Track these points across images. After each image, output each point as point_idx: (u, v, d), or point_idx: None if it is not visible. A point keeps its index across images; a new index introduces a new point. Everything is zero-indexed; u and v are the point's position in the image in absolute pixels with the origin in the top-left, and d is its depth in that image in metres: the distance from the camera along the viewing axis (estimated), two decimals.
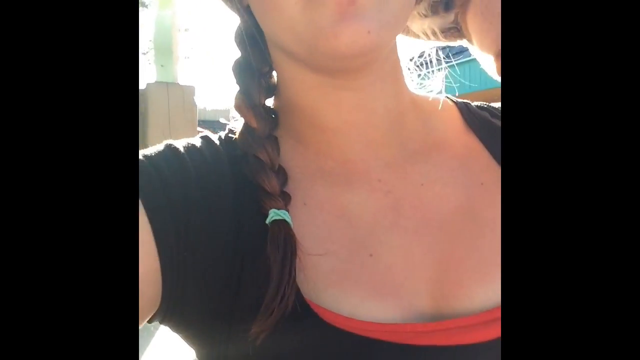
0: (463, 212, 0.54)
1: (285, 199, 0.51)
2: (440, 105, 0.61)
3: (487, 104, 0.65)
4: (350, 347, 0.46)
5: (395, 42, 0.56)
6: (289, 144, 0.56)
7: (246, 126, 0.55)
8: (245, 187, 0.52)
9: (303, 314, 0.46)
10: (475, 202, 0.55)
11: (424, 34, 0.58)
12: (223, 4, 0.59)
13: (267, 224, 0.49)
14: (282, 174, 0.53)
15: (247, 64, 0.56)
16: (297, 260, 0.47)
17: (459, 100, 0.64)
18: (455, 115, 0.62)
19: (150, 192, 0.48)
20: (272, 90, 0.58)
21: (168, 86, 2.64)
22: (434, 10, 0.54)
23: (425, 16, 0.59)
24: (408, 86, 0.59)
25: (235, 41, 0.58)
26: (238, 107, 0.55)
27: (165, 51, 2.67)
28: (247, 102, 0.55)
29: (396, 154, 0.56)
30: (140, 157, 0.51)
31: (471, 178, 0.56)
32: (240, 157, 0.53)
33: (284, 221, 0.48)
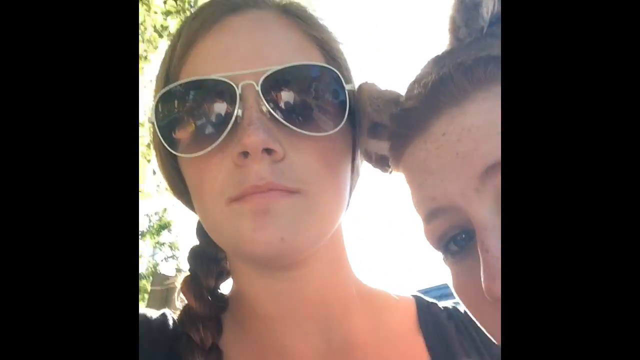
0: None
1: None
2: (395, 302, 0.63)
3: (455, 305, 0.64)
4: None
5: (340, 234, 0.59)
6: (232, 327, 0.59)
7: (187, 306, 0.59)
8: None
9: None
10: None
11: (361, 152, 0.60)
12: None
13: None
14: (214, 355, 0.55)
15: (201, 252, 0.63)
16: None
17: (426, 299, 0.65)
18: (411, 314, 0.63)
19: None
20: (225, 274, 0.63)
21: None
22: (371, 131, 0.55)
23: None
24: (359, 279, 0.62)
25: (196, 233, 0.65)
26: (182, 289, 0.60)
27: None
28: (191, 285, 0.60)
29: (333, 346, 0.57)
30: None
31: None
32: (179, 335, 0.57)
33: None
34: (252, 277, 0.58)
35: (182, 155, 0.53)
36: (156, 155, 0.61)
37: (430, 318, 0.61)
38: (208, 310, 0.58)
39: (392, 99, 0.52)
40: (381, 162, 0.56)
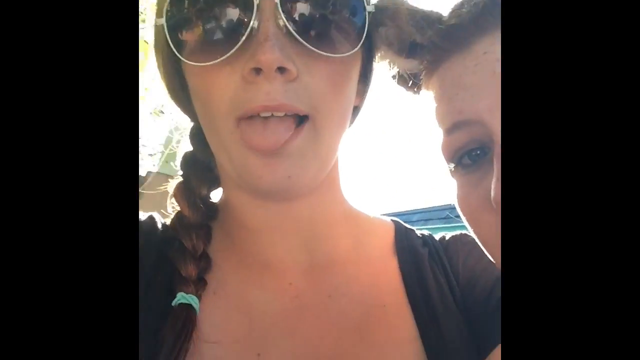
0: (359, 331, 0.56)
1: (198, 286, 0.54)
2: (377, 226, 0.65)
3: (431, 233, 0.67)
4: None
5: (336, 159, 0.59)
6: (220, 235, 0.60)
7: (179, 213, 0.59)
8: (165, 267, 0.55)
9: None
10: (373, 323, 0.57)
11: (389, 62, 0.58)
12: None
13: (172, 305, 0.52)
14: (204, 261, 0.56)
15: (193, 158, 0.62)
16: (192, 344, 0.50)
17: (404, 225, 0.67)
18: (389, 237, 0.65)
19: None
20: (216, 183, 0.63)
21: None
22: (410, 51, 0.54)
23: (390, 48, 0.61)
24: (347, 201, 0.63)
25: (189, 137, 0.63)
26: (175, 195, 0.60)
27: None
28: (184, 192, 0.59)
29: (315, 261, 0.59)
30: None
31: (376, 298, 0.59)
32: (170, 240, 0.58)
33: (189, 305, 0.51)
34: (242, 192, 0.58)
35: (190, 62, 0.50)
36: (157, 56, 0.58)
37: (407, 243, 0.64)
38: (200, 218, 0.59)
39: (436, 19, 0.52)
40: (414, 82, 0.56)
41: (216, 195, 0.65)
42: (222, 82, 0.50)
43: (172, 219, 0.60)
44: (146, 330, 0.48)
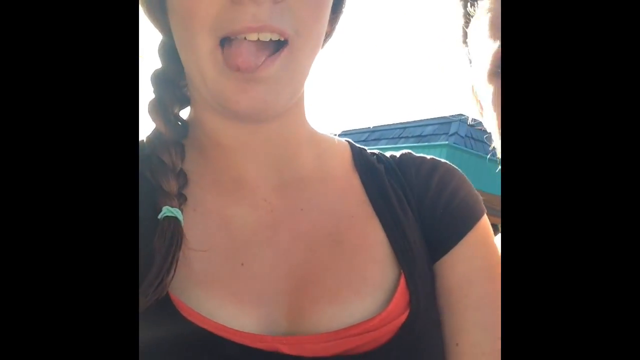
0: (332, 239, 0.60)
1: (180, 200, 0.56)
2: (335, 145, 0.68)
3: (380, 152, 0.71)
4: (200, 341, 0.51)
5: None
6: (193, 153, 0.61)
7: (156, 131, 0.60)
8: (145, 185, 0.56)
9: (164, 305, 0.51)
10: (344, 231, 0.61)
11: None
12: (149, 20, 0.61)
13: (159, 219, 0.53)
14: (182, 177, 0.58)
15: (165, 75, 0.62)
16: (181, 254, 0.52)
17: (356, 145, 0.71)
18: (347, 155, 0.68)
19: None
20: (186, 101, 0.64)
21: None
22: None
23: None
24: (309, 123, 0.66)
25: (158, 53, 0.63)
26: (150, 112, 0.60)
27: None
28: (159, 109, 0.60)
29: (285, 178, 0.62)
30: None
31: (345, 210, 0.63)
32: (146, 158, 0.58)
33: (175, 218, 0.54)
34: (213, 116, 0.59)
35: None
36: None
37: (363, 159, 0.68)
38: (175, 135, 0.60)
39: None
40: None
41: (184, 114, 0.66)
42: (209, 2, 0.50)
43: (148, 136, 0.61)
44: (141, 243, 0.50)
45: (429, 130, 9.05)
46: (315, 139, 0.67)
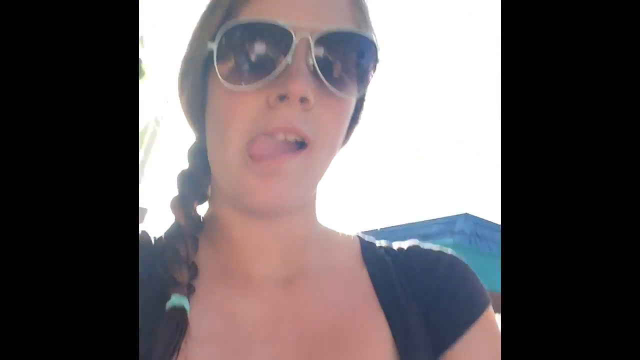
0: (334, 333, 0.62)
1: (189, 290, 0.59)
2: (344, 239, 0.72)
3: (389, 244, 0.75)
4: None
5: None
6: (205, 247, 0.66)
7: (175, 224, 0.65)
8: (156, 276, 0.60)
9: None
10: (348, 326, 0.63)
11: None
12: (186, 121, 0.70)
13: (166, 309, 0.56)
14: (193, 269, 0.62)
15: (191, 175, 0.69)
16: (183, 344, 0.55)
17: (366, 239, 0.75)
18: (356, 248, 0.72)
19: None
20: (205, 198, 0.70)
21: None
22: None
23: None
24: (319, 222, 0.70)
25: (188, 153, 0.70)
26: (172, 207, 0.66)
27: None
28: (181, 204, 0.66)
29: (291, 273, 0.66)
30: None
31: (350, 303, 0.65)
32: (162, 249, 0.63)
33: (182, 308, 0.56)
34: (229, 213, 0.65)
35: (227, 84, 0.57)
36: (187, 73, 0.65)
37: (372, 253, 0.71)
38: (192, 229, 0.64)
39: None
40: None
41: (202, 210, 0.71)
42: (248, 104, 0.57)
43: (168, 230, 0.66)
44: (141, 332, 0.52)
45: (434, 229, 8.91)
46: (324, 234, 0.70)
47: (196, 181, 0.68)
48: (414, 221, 10.10)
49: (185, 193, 0.67)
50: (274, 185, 0.56)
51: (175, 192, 0.68)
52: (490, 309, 0.66)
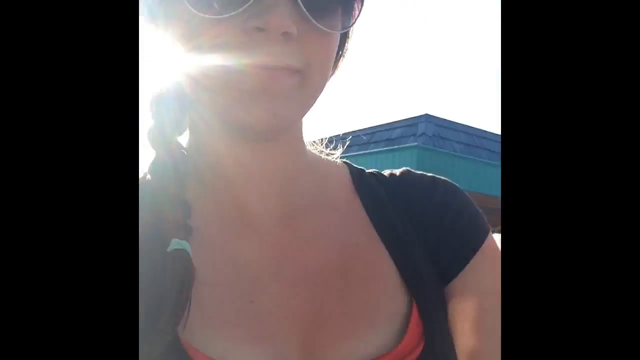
0: (339, 270, 0.59)
1: (187, 231, 0.54)
2: (334, 169, 0.67)
3: (379, 171, 0.70)
4: None
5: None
6: (194, 185, 0.59)
7: (156, 160, 0.58)
8: (150, 216, 0.54)
9: (173, 351, 0.49)
10: (351, 261, 0.60)
11: None
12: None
13: (167, 252, 0.51)
14: (186, 208, 0.56)
15: (163, 99, 0.59)
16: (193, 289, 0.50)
17: (355, 166, 0.70)
18: (346, 180, 0.67)
19: None
20: (183, 127, 0.61)
21: None
22: None
23: None
24: (308, 149, 0.65)
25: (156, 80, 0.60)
26: (152, 141, 0.58)
27: None
28: (161, 137, 0.58)
29: (287, 208, 0.61)
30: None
31: (350, 238, 0.62)
32: (150, 188, 0.56)
33: (184, 251, 0.52)
34: (216, 140, 0.59)
35: (200, 13, 0.50)
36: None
37: (363, 183, 0.67)
38: (176, 161, 0.58)
39: None
40: None
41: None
42: (224, 34, 0.51)
43: (150, 167, 0.59)
44: (146, 279, 0.49)
45: (397, 133, 9.20)
46: (314, 164, 0.66)
47: (172, 107, 0.60)
48: (376, 124, 10.19)
49: (162, 123, 0.59)
50: (266, 104, 0.51)
51: (149, 121, 0.60)
52: (491, 236, 0.64)
